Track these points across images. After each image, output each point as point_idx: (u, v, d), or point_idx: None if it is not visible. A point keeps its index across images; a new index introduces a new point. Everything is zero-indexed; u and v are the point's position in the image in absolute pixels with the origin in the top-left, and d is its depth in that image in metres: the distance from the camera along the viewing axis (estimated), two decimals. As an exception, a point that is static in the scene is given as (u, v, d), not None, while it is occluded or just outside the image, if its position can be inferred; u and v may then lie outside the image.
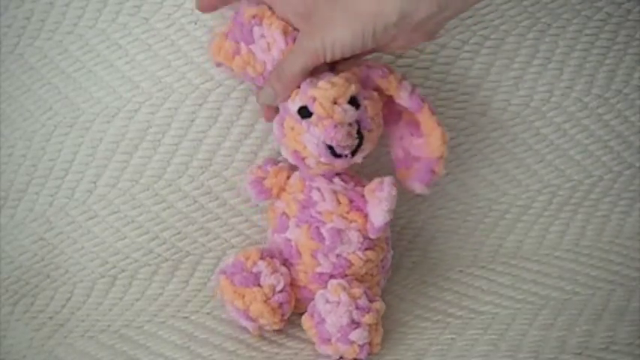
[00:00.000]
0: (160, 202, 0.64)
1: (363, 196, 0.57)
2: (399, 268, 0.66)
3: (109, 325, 0.62)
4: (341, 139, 0.54)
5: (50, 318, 0.63)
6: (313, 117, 0.54)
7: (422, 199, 0.67)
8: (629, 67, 0.67)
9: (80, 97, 0.63)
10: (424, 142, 0.58)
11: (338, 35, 0.53)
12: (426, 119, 0.57)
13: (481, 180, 0.67)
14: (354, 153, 0.55)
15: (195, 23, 0.61)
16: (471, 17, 0.64)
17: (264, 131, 0.63)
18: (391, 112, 0.59)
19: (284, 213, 0.58)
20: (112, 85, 0.63)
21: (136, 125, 0.63)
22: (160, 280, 0.64)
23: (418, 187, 0.59)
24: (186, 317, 0.62)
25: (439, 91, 0.65)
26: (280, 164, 0.60)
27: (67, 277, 0.64)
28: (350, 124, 0.54)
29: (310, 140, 0.55)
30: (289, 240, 0.58)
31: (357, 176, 0.59)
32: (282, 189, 0.59)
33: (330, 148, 0.54)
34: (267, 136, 0.63)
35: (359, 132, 0.55)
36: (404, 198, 0.67)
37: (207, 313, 0.62)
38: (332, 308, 0.54)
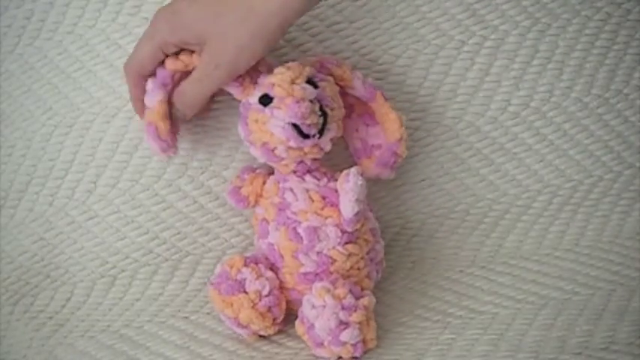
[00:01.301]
0: (160, 202, 0.64)
1: (336, 191, 0.57)
2: (398, 268, 0.66)
3: (109, 325, 0.62)
4: (305, 113, 0.55)
5: (50, 318, 0.63)
6: (275, 100, 0.55)
7: (422, 199, 0.67)
8: (629, 67, 0.67)
9: (80, 97, 0.63)
10: (381, 129, 0.61)
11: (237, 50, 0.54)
12: (379, 106, 0.60)
13: (481, 180, 0.67)
14: (320, 133, 0.56)
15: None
16: (470, 17, 0.64)
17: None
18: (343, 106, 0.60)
19: (264, 218, 0.59)
20: (112, 85, 0.63)
21: (136, 125, 0.63)
22: (160, 280, 0.64)
23: (384, 172, 0.61)
24: (186, 317, 0.62)
25: (438, 91, 0.65)
26: (257, 171, 0.60)
27: (67, 277, 0.64)
28: (311, 102, 0.55)
29: (276, 125, 0.55)
30: (271, 244, 0.58)
31: (330, 172, 0.60)
32: (260, 195, 0.60)
33: (296, 127, 0.55)
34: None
35: (322, 110, 0.56)
36: (403, 198, 0.67)
37: (207, 313, 0.62)
38: (318, 313, 0.54)
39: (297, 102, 0.55)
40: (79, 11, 0.62)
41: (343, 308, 0.54)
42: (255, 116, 0.56)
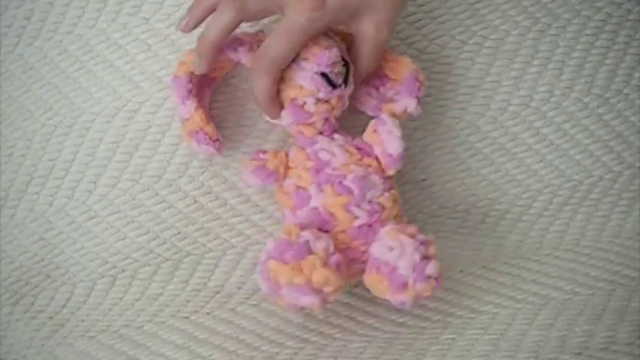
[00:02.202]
0: (160, 202, 0.64)
1: (365, 142, 0.58)
2: (399, 268, 0.66)
3: (109, 325, 0.62)
4: (333, 59, 0.55)
5: (50, 318, 0.63)
6: (301, 53, 0.55)
7: (422, 199, 0.67)
8: (629, 67, 0.67)
9: (80, 97, 0.63)
10: (393, 75, 0.60)
11: None
12: (386, 61, 0.60)
13: (481, 180, 0.67)
14: (345, 83, 0.57)
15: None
16: (471, 17, 0.65)
17: (265, 131, 0.63)
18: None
19: (299, 187, 0.57)
20: (112, 85, 0.63)
21: (136, 125, 0.63)
22: (160, 280, 0.64)
23: (411, 104, 0.59)
24: (186, 317, 0.62)
25: (440, 91, 0.65)
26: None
27: (67, 277, 0.64)
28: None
29: (305, 77, 0.55)
30: (316, 208, 0.56)
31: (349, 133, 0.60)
32: (287, 167, 0.58)
33: (325, 76, 0.55)
34: (267, 135, 0.63)
35: (343, 59, 0.56)
36: (403, 198, 0.67)
37: (207, 313, 0.62)
38: (400, 252, 0.53)
39: (325, 49, 0.55)
40: (79, 11, 0.62)
41: (421, 243, 0.54)
42: (281, 75, 0.56)
